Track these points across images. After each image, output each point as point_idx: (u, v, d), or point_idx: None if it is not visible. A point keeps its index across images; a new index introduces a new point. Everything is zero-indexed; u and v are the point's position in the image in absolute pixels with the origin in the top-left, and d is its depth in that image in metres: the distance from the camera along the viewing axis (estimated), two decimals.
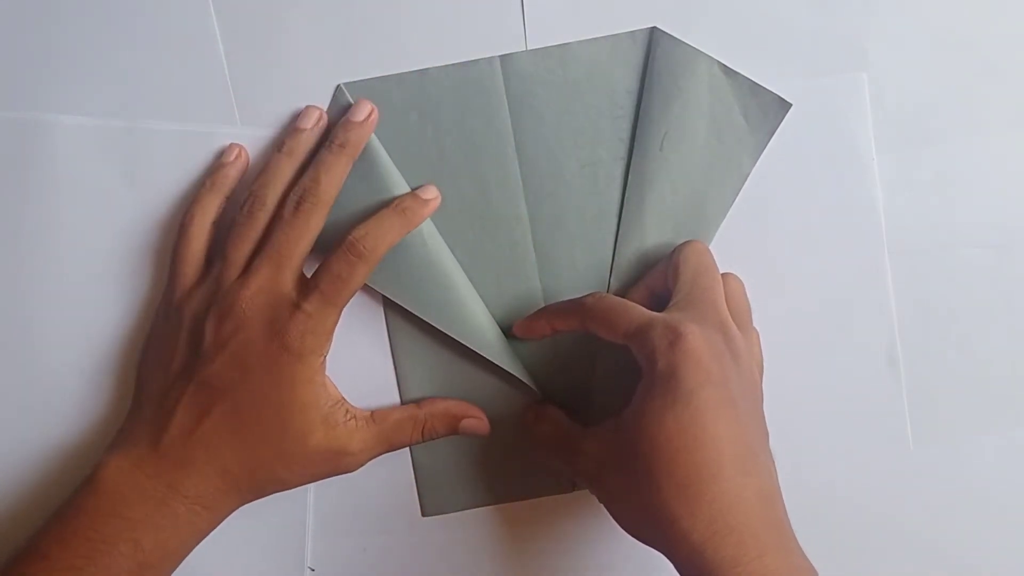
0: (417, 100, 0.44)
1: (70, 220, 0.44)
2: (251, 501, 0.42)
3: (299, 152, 0.43)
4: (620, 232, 0.44)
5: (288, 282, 0.40)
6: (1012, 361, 0.46)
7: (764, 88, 0.44)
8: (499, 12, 0.44)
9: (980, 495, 0.46)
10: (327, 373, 0.42)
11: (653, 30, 0.44)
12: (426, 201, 0.43)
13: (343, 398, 0.42)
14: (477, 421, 0.44)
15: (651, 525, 0.36)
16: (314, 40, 0.44)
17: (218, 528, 0.41)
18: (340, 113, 0.43)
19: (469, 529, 0.46)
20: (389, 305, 0.44)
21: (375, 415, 0.43)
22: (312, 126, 0.43)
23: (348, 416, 0.42)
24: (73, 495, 0.40)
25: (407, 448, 0.45)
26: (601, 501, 0.39)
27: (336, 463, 0.41)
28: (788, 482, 0.46)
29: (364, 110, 0.43)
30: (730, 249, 0.45)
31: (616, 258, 0.44)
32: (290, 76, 0.44)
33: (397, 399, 0.45)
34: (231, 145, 0.44)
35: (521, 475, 0.45)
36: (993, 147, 0.45)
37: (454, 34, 0.44)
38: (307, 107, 0.43)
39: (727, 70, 0.44)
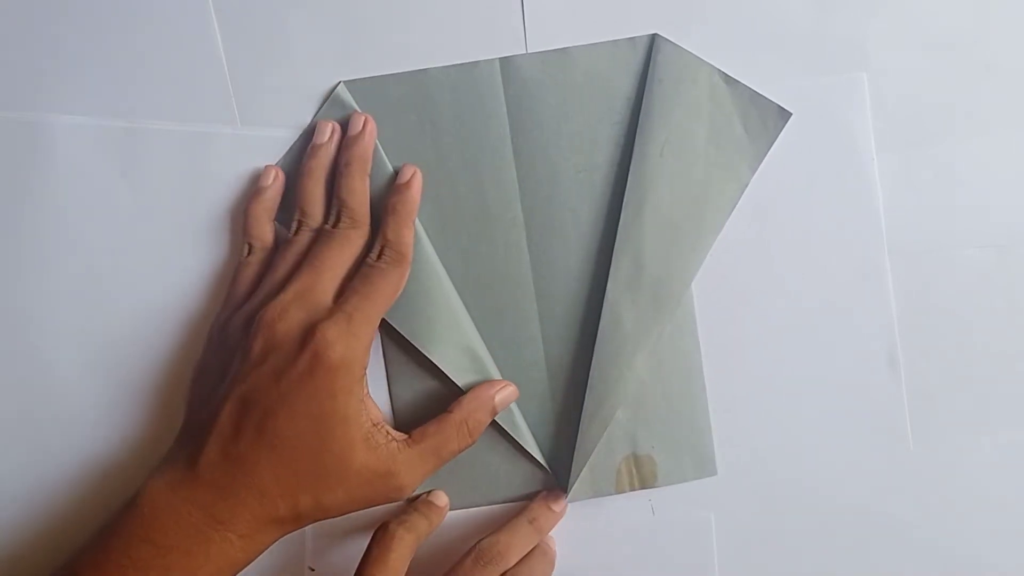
0: (416, 100, 0.44)
1: (70, 220, 0.44)
2: (291, 531, 0.40)
3: (322, 169, 0.43)
4: (618, 237, 0.44)
5: (328, 291, 0.41)
6: (1012, 361, 0.46)
7: (764, 98, 0.44)
8: (500, 14, 0.44)
9: (980, 495, 0.46)
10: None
11: (654, 37, 0.44)
12: (408, 183, 0.43)
13: (384, 420, 0.42)
14: (507, 392, 0.43)
15: None
16: (314, 40, 0.44)
17: None
18: (339, 111, 0.44)
19: (468, 528, 0.46)
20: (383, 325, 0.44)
21: (413, 436, 0.41)
22: (328, 139, 0.43)
23: (389, 438, 0.40)
24: (113, 518, 0.39)
25: None
26: None
27: (383, 488, 0.40)
28: (788, 481, 0.46)
29: (358, 123, 0.43)
30: (730, 249, 0.45)
31: (614, 264, 0.44)
32: (290, 76, 0.44)
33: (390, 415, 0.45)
34: (267, 168, 0.44)
35: (513, 478, 0.45)
36: (993, 147, 0.45)
37: (454, 35, 0.44)
38: (319, 122, 0.43)
39: (728, 79, 0.44)
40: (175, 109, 0.44)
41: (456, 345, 0.44)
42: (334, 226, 0.42)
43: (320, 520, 0.40)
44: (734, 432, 0.46)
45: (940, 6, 0.45)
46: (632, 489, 0.45)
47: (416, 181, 0.43)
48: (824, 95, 0.45)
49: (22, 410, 0.44)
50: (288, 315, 0.39)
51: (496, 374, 0.45)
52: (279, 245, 0.44)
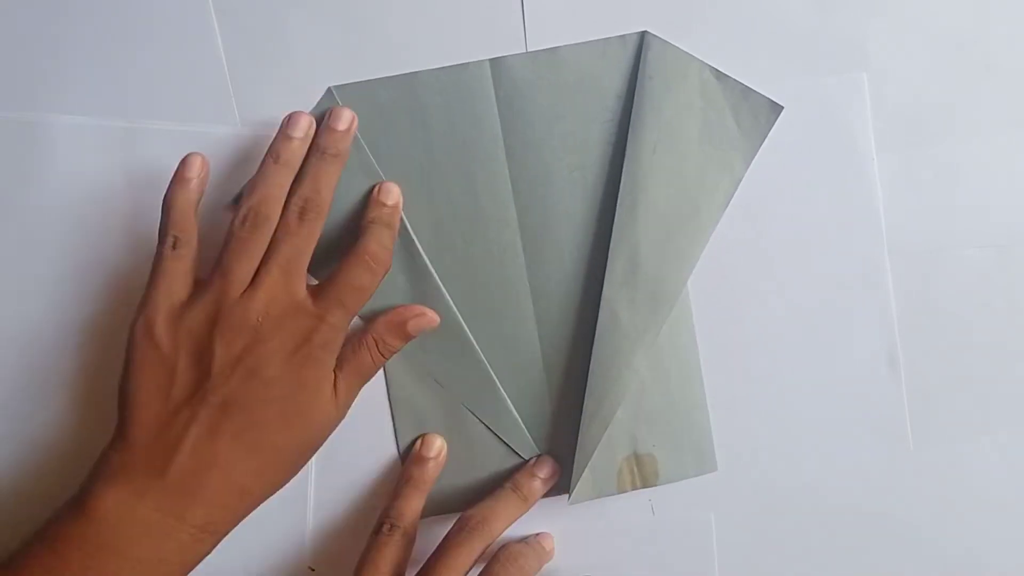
0: (407, 103, 0.44)
1: (70, 220, 0.44)
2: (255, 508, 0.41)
3: (294, 162, 0.41)
4: (613, 236, 0.44)
5: (300, 291, 0.40)
6: (1012, 361, 0.46)
7: (755, 92, 0.44)
8: (499, 14, 0.44)
9: (980, 495, 0.46)
10: None
11: (644, 34, 0.44)
12: (391, 199, 0.43)
13: None
14: (421, 318, 0.43)
15: None
16: (314, 41, 0.44)
17: None
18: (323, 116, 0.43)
19: None
20: None
21: (336, 363, 0.41)
22: (303, 135, 0.42)
23: (332, 380, 0.41)
24: (62, 522, 0.37)
25: (401, 453, 0.45)
26: None
27: (326, 425, 0.41)
28: (788, 481, 0.46)
29: (346, 118, 0.42)
30: (730, 249, 0.45)
31: (610, 262, 0.44)
32: (289, 76, 0.44)
33: (390, 419, 0.46)
34: (192, 156, 0.41)
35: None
36: (993, 147, 0.45)
37: (455, 36, 0.44)
38: (295, 114, 0.42)
39: (718, 74, 0.44)
40: (175, 109, 0.44)
41: (452, 352, 0.44)
42: (300, 218, 0.40)
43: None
44: (734, 432, 0.46)
45: (940, 6, 0.45)
46: (634, 488, 0.45)
47: (393, 197, 0.43)
48: (824, 95, 0.45)
49: (21, 410, 0.44)
50: (270, 315, 0.39)
51: (494, 376, 0.45)
52: (213, 234, 0.42)
